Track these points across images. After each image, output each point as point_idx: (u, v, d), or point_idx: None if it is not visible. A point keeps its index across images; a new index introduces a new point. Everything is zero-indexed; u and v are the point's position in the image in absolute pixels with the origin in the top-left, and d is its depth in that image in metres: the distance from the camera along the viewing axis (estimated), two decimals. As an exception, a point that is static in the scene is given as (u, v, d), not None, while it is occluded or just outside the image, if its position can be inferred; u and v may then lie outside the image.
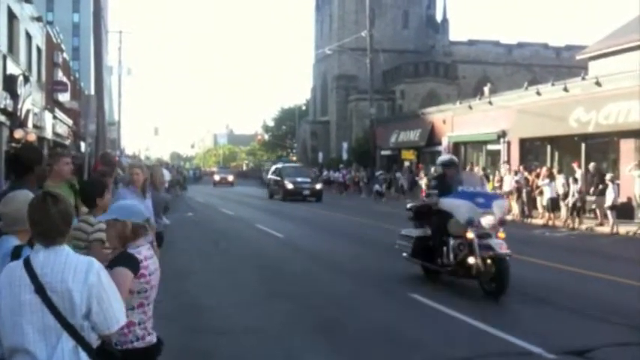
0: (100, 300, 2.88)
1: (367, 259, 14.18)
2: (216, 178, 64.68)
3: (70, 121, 39.30)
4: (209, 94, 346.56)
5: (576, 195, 20.30)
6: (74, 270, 2.87)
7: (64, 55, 38.91)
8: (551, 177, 21.66)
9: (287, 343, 7.15)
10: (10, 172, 5.16)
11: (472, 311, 8.39)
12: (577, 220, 20.67)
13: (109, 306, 2.91)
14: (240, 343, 7.22)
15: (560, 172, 22.40)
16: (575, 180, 20.71)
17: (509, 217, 23.78)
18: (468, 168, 29.08)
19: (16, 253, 3.47)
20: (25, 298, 2.84)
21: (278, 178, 37.01)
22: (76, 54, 78.89)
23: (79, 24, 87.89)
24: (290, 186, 34.98)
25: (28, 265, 2.88)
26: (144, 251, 3.67)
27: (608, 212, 19.06)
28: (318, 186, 35.97)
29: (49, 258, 2.89)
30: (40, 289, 2.83)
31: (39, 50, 30.30)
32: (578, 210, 20.68)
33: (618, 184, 19.84)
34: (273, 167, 41.32)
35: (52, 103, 33.10)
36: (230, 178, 63.78)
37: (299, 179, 35.88)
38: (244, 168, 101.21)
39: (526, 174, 23.73)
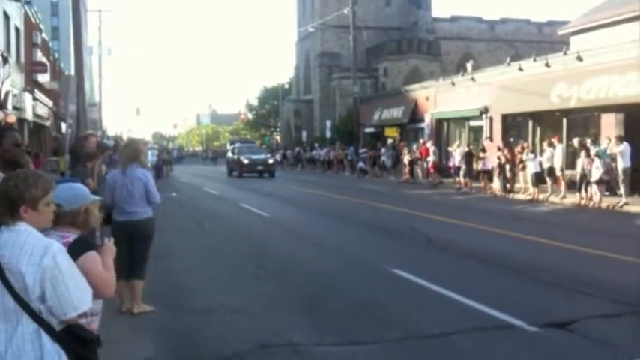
0: (56, 284, 2.78)
1: (351, 236, 14.27)
2: (244, 160, 38.54)
3: (50, 102, 38.97)
4: (191, 73, 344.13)
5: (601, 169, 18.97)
6: (31, 252, 2.79)
7: (43, 35, 38.48)
8: (552, 146, 21.58)
9: (272, 321, 7.19)
10: None
11: (454, 286, 8.48)
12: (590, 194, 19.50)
13: (66, 291, 2.80)
14: (225, 321, 7.26)
15: (550, 145, 22.03)
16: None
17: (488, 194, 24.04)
18: (456, 144, 29.17)
19: None
20: None
21: None
22: (56, 34, 77.84)
23: (58, 3, 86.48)
24: None
25: None
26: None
27: (595, 187, 19.09)
28: None
29: (9, 238, 2.83)
30: None
31: (17, 30, 29.92)
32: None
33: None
34: None
35: (31, 84, 32.78)
36: (270, 161, 40.17)
37: None
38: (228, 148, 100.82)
39: (506, 151, 23.59)
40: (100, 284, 3.14)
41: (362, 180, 35.26)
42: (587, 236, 13.70)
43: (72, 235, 3.31)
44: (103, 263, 3.27)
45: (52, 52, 46.80)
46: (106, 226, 7.59)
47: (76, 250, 3.10)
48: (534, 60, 26.98)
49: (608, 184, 19.60)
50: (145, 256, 7.55)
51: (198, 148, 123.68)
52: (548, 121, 26.23)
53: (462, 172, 26.46)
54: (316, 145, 51.06)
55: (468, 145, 28.31)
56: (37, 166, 18.08)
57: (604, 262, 10.66)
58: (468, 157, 26.25)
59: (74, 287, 2.83)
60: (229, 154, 43.39)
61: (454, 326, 6.87)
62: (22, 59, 31.05)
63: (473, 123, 32.01)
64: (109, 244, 3.44)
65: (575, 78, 23.02)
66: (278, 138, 77.21)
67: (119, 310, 7.32)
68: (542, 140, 25.01)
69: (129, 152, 7.72)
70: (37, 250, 2.79)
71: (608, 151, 19.06)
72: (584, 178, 19.39)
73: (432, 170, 30.08)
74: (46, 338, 2.79)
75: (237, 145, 45.96)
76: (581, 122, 24.82)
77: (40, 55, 34.79)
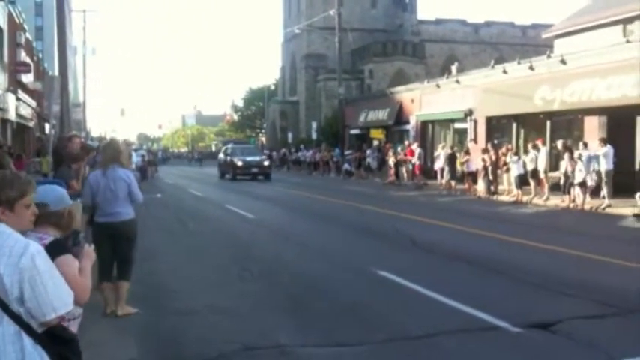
0: (34, 285, 2.72)
1: (337, 237, 14.28)
2: (238, 162, 36.41)
3: (33, 103, 38.68)
4: (176, 74, 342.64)
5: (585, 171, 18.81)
6: (9, 252, 2.74)
7: (27, 35, 38.18)
8: (536, 149, 21.66)
9: (257, 322, 7.18)
10: None
11: (439, 287, 8.50)
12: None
13: (44, 292, 2.74)
14: (210, 323, 7.24)
15: (534, 147, 22.11)
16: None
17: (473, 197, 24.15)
18: (441, 146, 29.24)
19: None
20: None
21: None
22: (40, 34, 77.32)
23: (42, 3, 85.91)
24: None
25: None
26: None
27: (578, 189, 19.20)
28: None
29: None
30: None
31: (1, 30, 29.68)
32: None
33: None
34: None
35: (15, 85, 32.51)
36: (266, 163, 37.77)
37: None
38: (213, 149, 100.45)
39: (491, 153, 23.71)
40: (75, 288, 3.00)
41: (347, 181, 35.32)
42: (571, 238, 13.79)
43: (49, 237, 3.25)
44: (79, 268, 3.21)
45: (36, 52, 46.44)
46: (89, 227, 7.55)
47: (51, 253, 3.00)
48: (518, 63, 27.15)
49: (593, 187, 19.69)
50: (130, 258, 7.50)
51: (184, 150, 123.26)
52: (532, 124, 26.38)
53: (445, 174, 26.58)
54: (302, 146, 51.08)
55: (451, 147, 28.40)
56: (20, 167, 17.93)
57: (587, 263, 10.73)
58: (451, 159, 26.37)
59: (53, 288, 2.78)
60: (221, 156, 40.52)
61: (439, 328, 6.89)
62: (6, 59, 30.78)
63: (457, 125, 32.14)
64: (89, 250, 3.38)
65: (559, 81, 23.18)
66: (263, 139, 77.06)
67: (103, 312, 7.27)
68: (526, 142, 25.16)
69: (109, 153, 7.65)
70: (15, 251, 2.74)
71: (592, 154, 19.16)
72: (568, 180, 19.54)
73: (417, 172, 30.17)
74: (27, 340, 2.75)
75: (230, 145, 42.73)
76: (564, 125, 24.99)
77: (23, 55, 34.51)
